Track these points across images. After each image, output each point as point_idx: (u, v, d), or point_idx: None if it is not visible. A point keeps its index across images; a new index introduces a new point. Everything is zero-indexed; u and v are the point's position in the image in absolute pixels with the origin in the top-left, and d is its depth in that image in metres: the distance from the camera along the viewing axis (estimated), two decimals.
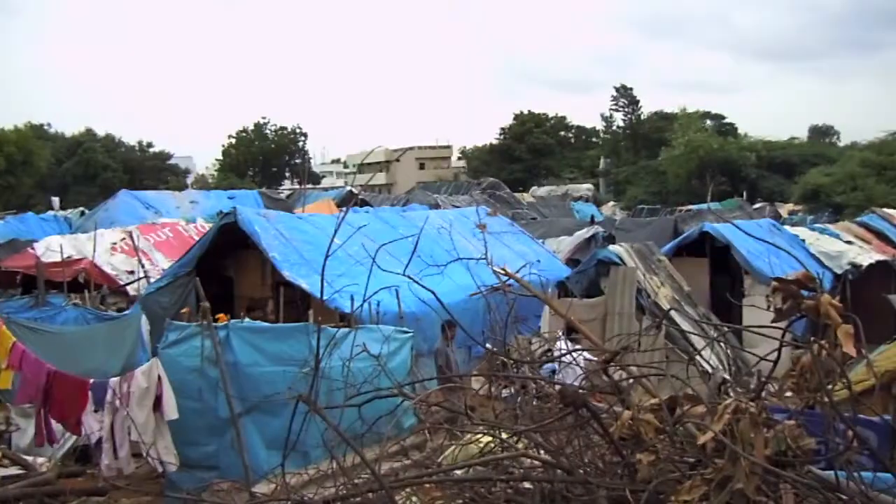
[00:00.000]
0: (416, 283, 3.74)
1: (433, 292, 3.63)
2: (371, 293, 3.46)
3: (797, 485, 2.88)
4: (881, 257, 19.85)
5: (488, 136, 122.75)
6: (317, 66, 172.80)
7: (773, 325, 3.25)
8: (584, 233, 19.05)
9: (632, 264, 14.13)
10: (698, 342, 12.72)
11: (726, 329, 11.32)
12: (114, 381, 7.76)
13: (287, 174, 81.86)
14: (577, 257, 17.88)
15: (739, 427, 2.80)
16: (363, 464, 3.22)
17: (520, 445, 3.65)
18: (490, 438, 3.65)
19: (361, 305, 7.24)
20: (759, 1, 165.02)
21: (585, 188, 51.77)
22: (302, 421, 3.49)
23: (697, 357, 12.24)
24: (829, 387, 3.19)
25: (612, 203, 50.80)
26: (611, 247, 15.13)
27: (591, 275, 14.33)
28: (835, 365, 2.98)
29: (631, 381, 3.54)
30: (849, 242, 20.48)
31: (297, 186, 61.16)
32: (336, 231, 3.13)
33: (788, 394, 3.49)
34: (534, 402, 3.97)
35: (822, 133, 73.07)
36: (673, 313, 13.56)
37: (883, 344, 12.77)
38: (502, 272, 4.35)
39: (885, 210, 25.82)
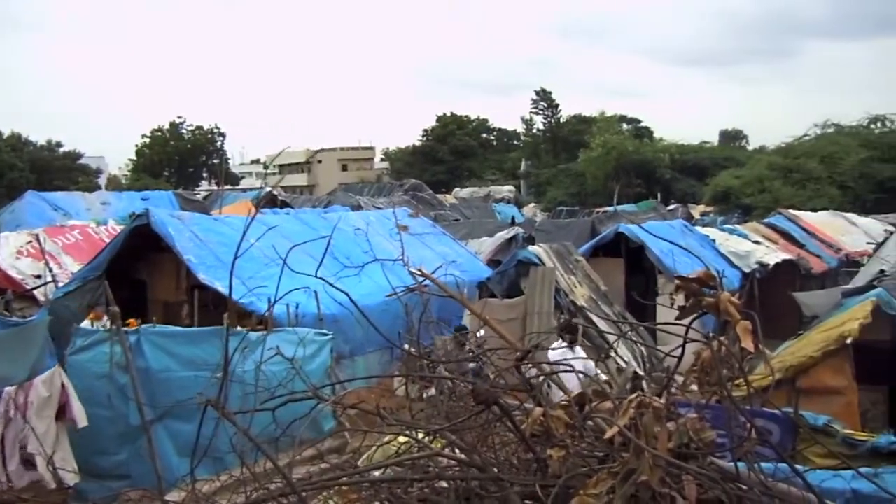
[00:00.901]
0: (330, 284, 3.71)
1: (346, 293, 3.61)
2: (283, 294, 3.40)
3: (699, 476, 2.98)
4: (787, 256, 20.78)
5: (411, 137, 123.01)
6: (237, 64, 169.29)
7: (677, 322, 3.36)
8: (505, 234, 19.31)
9: (550, 264, 14.37)
10: (615, 340, 13.07)
11: (630, 327, 11.63)
12: (9, 390, 7.40)
13: (204, 175, 79.91)
14: (498, 258, 18.11)
15: (643, 421, 2.88)
16: (286, 467, 3.18)
17: (437, 445, 3.68)
18: (406, 439, 3.66)
19: (272, 307, 7.12)
20: (675, 8, 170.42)
21: (507, 190, 52.42)
22: (214, 426, 3.42)
23: (613, 354, 12.65)
24: (731, 382, 3.32)
25: (532, 204, 51.61)
26: (530, 247, 15.36)
27: (512, 275, 14.51)
28: (735, 360, 3.10)
29: (541, 378, 3.60)
30: (756, 242, 21.38)
31: (215, 187, 59.80)
32: (245, 231, 3.07)
33: (693, 388, 3.61)
34: (451, 402, 3.99)
35: (732, 137, 75.98)
36: (589, 312, 13.91)
37: (788, 340, 13.39)
38: (418, 273, 4.36)
39: (791, 211, 27.07)
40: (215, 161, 76.90)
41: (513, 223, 22.66)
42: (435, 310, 13.05)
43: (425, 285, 4.32)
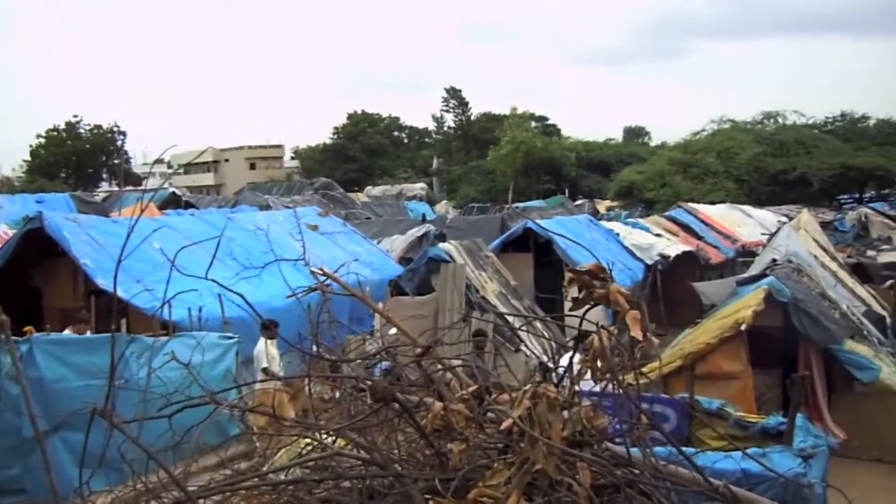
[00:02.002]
0: (221, 286, 3.63)
1: (241, 295, 3.54)
2: (171, 297, 3.30)
3: (593, 462, 3.07)
4: (687, 248, 21.61)
5: (322, 135, 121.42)
6: (139, 63, 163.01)
7: (570, 313, 3.44)
8: (416, 231, 19.35)
9: (461, 261, 14.49)
10: (525, 334, 13.30)
11: (528, 321, 11.82)
12: None
13: (105, 176, 76.70)
14: (409, 256, 18.12)
15: (537, 411, 2.94)
16: (181, 476, 3.09)
17: (342, 445, 3.66)
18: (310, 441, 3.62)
19: (160, 310, 6.90)
20: (581, 9, 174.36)
21: (419, 187, 52.49)
22: (107, 436, 3.30)
23: (522, 347, 12.86)
24: (635, 370, 3.43)
25: (445, 202, 51.89)
26: (441, 244, 15.44)
27: (423, 272, 14.56)
28: (624, 349, 3.20)
29: (441, 373, 3.63)
30: (658, 235, 22.16)
31: (116, 188, 57.51)
32: (129, 233, 2.96)
33: (587, 377, 3.69)
34: (354, 401, 3.97)
35: (635, 134, 78.38)
36: (500, 306, 14.11)
37: (688, 327, 13.92)
38: (320, 272, 4.32)
39: (690, 204, 28.17)
40: (116, 161, 73.94)
41: (423, 221, 22.70)
42: (347, 309, 12.95)
43: (327, 284, 4.28)
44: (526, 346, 12.47)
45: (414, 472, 3.34)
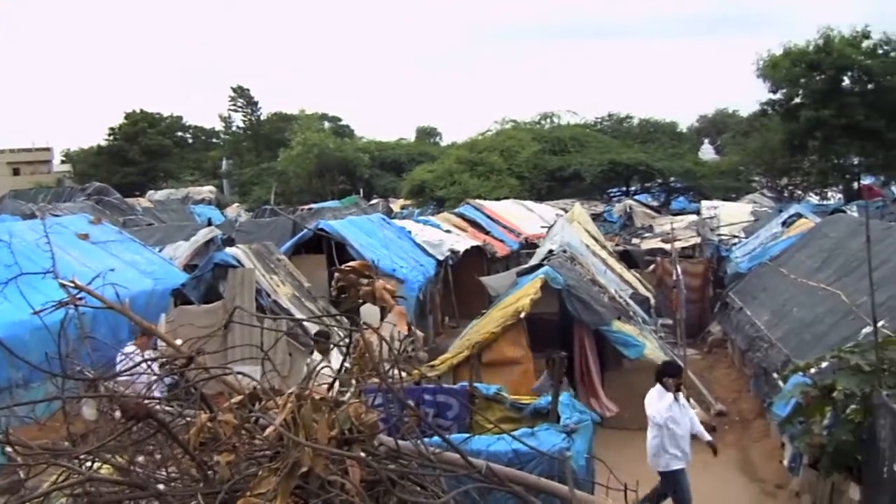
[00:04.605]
0: None
1: None
2: None
3: (362, 459, 3.10)
4: (475, 243, 22.56)
5: (97, 136, 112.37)
6: None
7: (332, 315, 3.44)
8: (202, 237, 18.54)
9: (250, 265, 14.08)
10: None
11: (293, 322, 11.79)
12: None
13: None
14: (196, 262, 17.33)
15: (302, 413, 2.92)
16: None
17: (106, 468, 3.42)
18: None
19: None
20: (375, 13, 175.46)
21: (207, 190, 50.40)
22: None
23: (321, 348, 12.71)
24: (425, 365, 3.49)
25: (236, 204, 50.22)
26: (228, 249, 14.91)
27: (209, 279, 13.96)
28: (388, 346, 3.26)
29: (205, 382, 3.50)
30: (448, 231, 22.92)
31: None
32: None
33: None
34: (114, 420, 3.72)
35: (427, 134, 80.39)
36: (293, 309, 13.89)
37: (475, 318, 14.51)
38: (72, 285, 4.00)
39: (477, 201, 29.42)
40: None
41: (209, 225, 21.80)
42: (127, 324, 12.02)
43: (80, 298, 3.97)
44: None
45: (179, 489, 3.19)
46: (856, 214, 20.22)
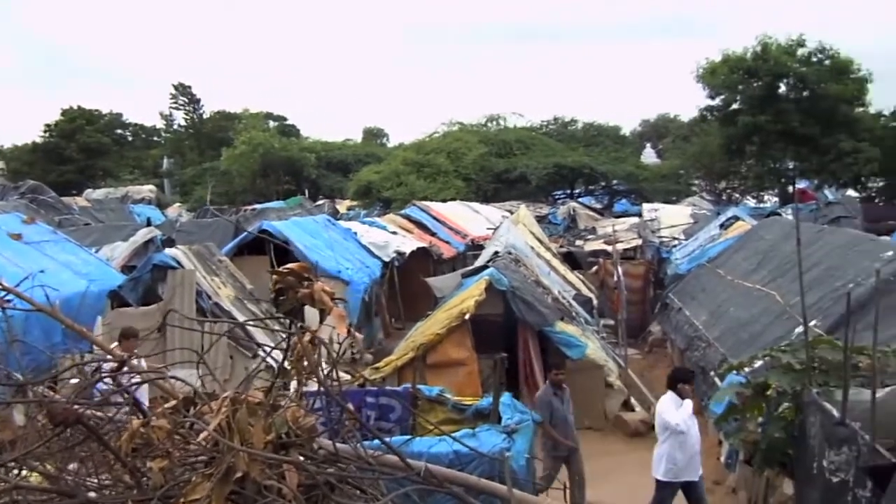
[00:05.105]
0: None
1: None
2: None
3: (298, 463, 3.07)
4: (421, 244, 22.60)
5: (31, 133, 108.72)
6: None
7: (274, 317, 3.41)
8: (141, 237, 18.12)
9: (190, 266, 13.81)
10: (264, 339, 13.03)
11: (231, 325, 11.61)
12: None
13: None
14: (134, 263, 16.93)
15: (237, 418, 2.88)
16: None
17: (35, 478, 3.31)
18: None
19: None
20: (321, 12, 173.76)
21: (147, 190, 49.27)
22: None
23: (261, 351, 12.55)
24: (369, 368, 3.46)
25: (178, 204, 49.23)
26: (167, 250, 14.60)
27: (147, 281, 13.66)
28: (327, 347, 3.23)
29: (136, 387, 3.41)
30: (394, 233, 22.90)
31: None
32: None
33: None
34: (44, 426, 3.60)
35: (374, 135, 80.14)
36: (234, 311, 13.67)
37: (420, 320, 14.51)
38: None
39: (424, 202, 29.48)
40: None
41: (148, 225, 21.31)
42: (59, 328, 11.72)
43: (8, 300, 3.84)
44: (264, 350, 12.20)
45: (111, 496, 3.11)
46: (790, 217, 20.88)
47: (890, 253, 9.96)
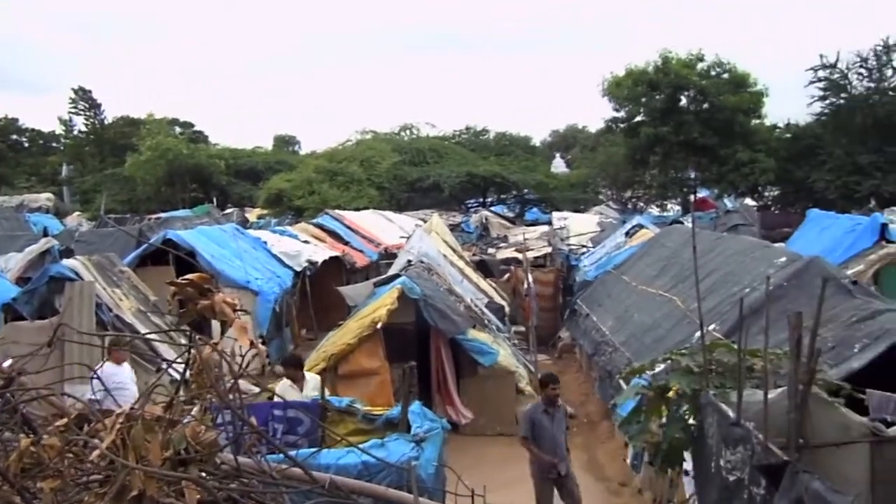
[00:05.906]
0: None
1: None
2: None
3: (198, 479, 2.99)
4: (334, 253, 22.37)
5: None
6: None
7: (175, 329, 3.32)
8: (37, 247, 17.29)
9: (90, 278, 13.25)
10: (170, 353, 12.62)
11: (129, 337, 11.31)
12: None
13: None
14: (30, 275, 16.14)
15: (132, 434, 2.78)
16: None
17: None
18: None
19: None
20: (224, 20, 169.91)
21: (45, 198, 47.04)
22: None
23: (163, 365, 12.16)
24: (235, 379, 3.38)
25: (78, 213, 47.16)
26: (65, 261, 13.98)
27: (43, 293, 13.03)
28: (227, 361, 3.17)
29: (24, 405, 3.26)
30: (306, 242, 22.60)
31: None
32: None
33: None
34: None
35: (286, 142, 78.86)
36: (137, 324, 13.20)
37: (333, 330, 14.35)
38: None
39: (337, 211, 29.20)
40: None
41: (45, 235, 20.37)
42: None
43: None
44: (165, 363, 11.82)
45: None
46: (691, 225, 21.70)
47: (783, 259, 10.45)
